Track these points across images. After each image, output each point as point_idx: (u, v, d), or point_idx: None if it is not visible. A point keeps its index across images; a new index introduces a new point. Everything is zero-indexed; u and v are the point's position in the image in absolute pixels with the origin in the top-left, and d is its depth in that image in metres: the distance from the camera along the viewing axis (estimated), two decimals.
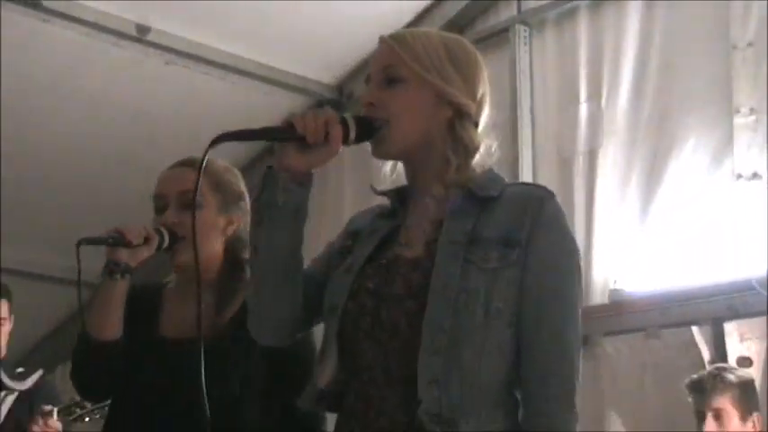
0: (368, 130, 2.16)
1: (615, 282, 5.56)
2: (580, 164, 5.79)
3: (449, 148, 2.17)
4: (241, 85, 6.37)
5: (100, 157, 6.60)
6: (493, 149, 2.23)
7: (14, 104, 5.91)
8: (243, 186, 2.89)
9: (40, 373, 4.81)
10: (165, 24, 5.97)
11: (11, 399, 4.70)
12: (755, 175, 5.05)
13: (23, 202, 6.55)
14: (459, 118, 2.18)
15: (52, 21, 5.78)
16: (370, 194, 2.34)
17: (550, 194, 2.17)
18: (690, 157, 5.36)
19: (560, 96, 6.00)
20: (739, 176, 5.11)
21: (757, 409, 4.29)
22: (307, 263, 2.25)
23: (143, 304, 2.84)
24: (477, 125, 2.20)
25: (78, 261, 2.61)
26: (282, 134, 2.14)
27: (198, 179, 2.21)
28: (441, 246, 2.11)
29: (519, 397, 2.09)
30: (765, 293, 4.80)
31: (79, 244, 2.63)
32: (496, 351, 2.05)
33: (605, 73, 5.74)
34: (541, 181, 5.74)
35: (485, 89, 2.22)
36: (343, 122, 2.11)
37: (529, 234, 2.09)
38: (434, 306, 2.04)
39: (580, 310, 2.13)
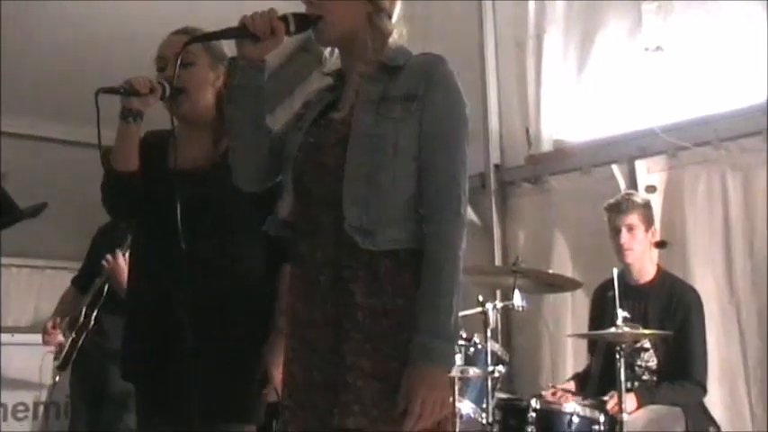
0: (304, 23, 2.28)
1: (558, 132, 5.88)
2: (531, 46, 6.02)
3: (368, 36, 2.29)
4: None
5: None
6: (404, 33, 2.35)
7: None
8: (224, 48, 2.88)
9: None
10: None
11: None
12: (659, 48, 5.25)
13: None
14: (377, 12, 2.29)
15: None
16: None
17: (442, 60, 2.28)
18: (610, 36, 5.60)
19: None
20: (646, 49, 5.31)
21: (654, 224, 4.63)
22: None
23: (156, 145, 2.86)
24: (390, 17, 2.32)
25: (97, 107, 2.55)
26: (238, 33, 2.28)
27: (175, 71, 2.45)
28: (358, 104, 2.25)
29: (422, 213, 2.21)
30: (665, 137, 5.11)
31: (98, 93, 2.61)
32: (404, 178, 2.19)
33: None
34: (501, 60, 6.24)
35: None
36: (284, 19, 2.25)
37: (424, 90, 2.21)
38: (354, 148, 2.20)
39: (466, 145, 2.24)
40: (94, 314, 4.52)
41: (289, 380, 2.30)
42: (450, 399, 2.19)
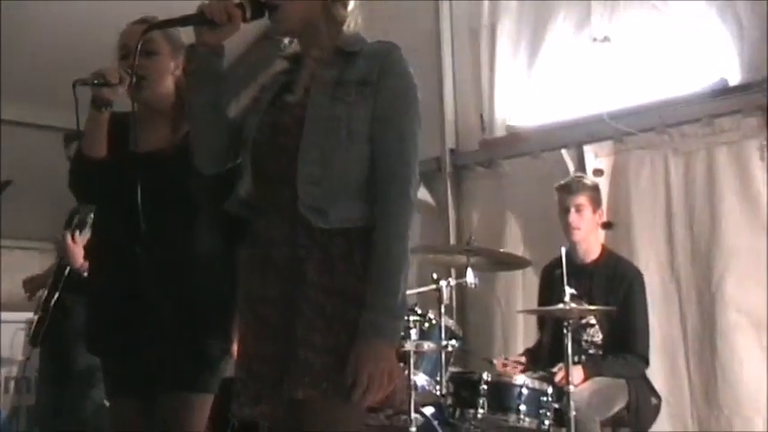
0: (260, 10, 2.28)
1: (510, 118, 5.97)
2: (485, 35, 6.09)
3: (324, 24, 2.31)
4: None
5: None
6: (359, 21, 2.36)
7: None
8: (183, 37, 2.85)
9: None
10: None
11: None
12: (606, 39, 5.38)
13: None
14: (332, 1, 2.32)
15: None
16: None
17: (396, 47, 2.30)
18: (560, 27, 5.70)
19: None
20: (595, 40, 5.43)
21: (601, 206, 4.69)
22: None
23: (118, 128, 2.85)
24: (346, 5, 2.33)
25: (75, 98, 2.67)
26: (196, 20, 2.29)
27: (135, 58, 2.47)
28: (314, 88, 2.26)
29: (374, 194, 2.22)
30: (612, 123, 5.22)
31: (74, 84, 2.70)
32: (357, 160, 2.21)
33: None
34: (457, 49, 6.30)
35: None
36: (240, 6, 2.26)
37: (378, 75, 2.23)
38: (309, 129, 2.21)
39: (417, 130, 2.26)
40: (57, 292, 4.52)
41: (242, 353, 2.32)
42: (400, 372, 2.19)
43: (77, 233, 4.29)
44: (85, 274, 3.93)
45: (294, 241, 2.21)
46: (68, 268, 4.44)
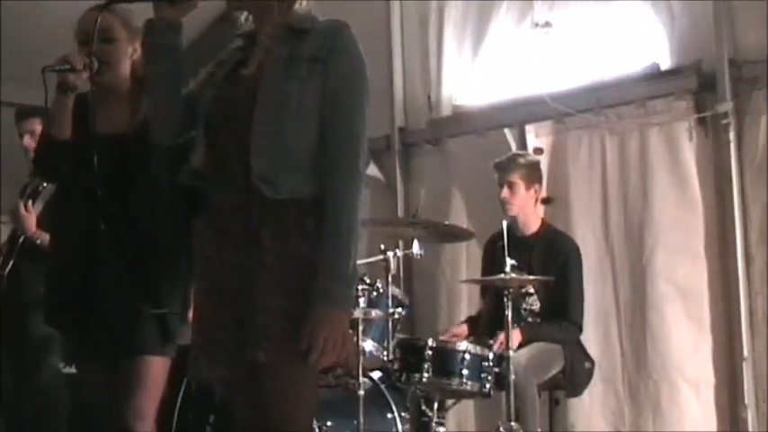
0: None
1: (456, 99, 6.01)
2: (433, 19, 6.11)
3: (276, 1, 2.31)
4: None
5: None
6: (311, 2, 2.35)
7: None
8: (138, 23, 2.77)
9: None
10: None
11: None
12: (547, 24, 5.46)
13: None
14: None
15: None
16: None
17: (345, 25, 2.30)
18: (505, 12, 5.75)
19: None
20: (536, 25, 5.50)
21: (540, 182, 4.75)
22: None
23: (84, 109, 2.81)
24: None
25: (45, 84, 2.68)
26: None
27: (92, 42, 2.55)
28: (267, 63, 2.28)
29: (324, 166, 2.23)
30: (553, 104, 5.28)
31: (44, 70, 2.71)
32: (307, 134, 2.22)
33: None
34: (406, 32, 6.31)
35: None
36: None
37: (328, 52, 2.24)
38: (262, 103, 2.22)
39: (366, 105, 2.27)
40: (11, 261, 4.48)
41: (199, 319, 2.33)
42: (351, 337, 2.24)
43: (30, 203, 4.23)
44: (38, 242, 4.09)
45: (248, 210, 2.22)
46: (22, 237, 4.38)
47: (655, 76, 5.14)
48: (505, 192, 4.66)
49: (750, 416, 4.69)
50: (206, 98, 2.34)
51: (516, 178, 4.68)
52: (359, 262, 4.37)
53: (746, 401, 4.70)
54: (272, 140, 2.20)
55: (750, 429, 4.68)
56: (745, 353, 4.73)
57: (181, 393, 4.19)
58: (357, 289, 4.08)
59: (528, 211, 4.75)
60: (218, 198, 2.29)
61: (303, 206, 2.22)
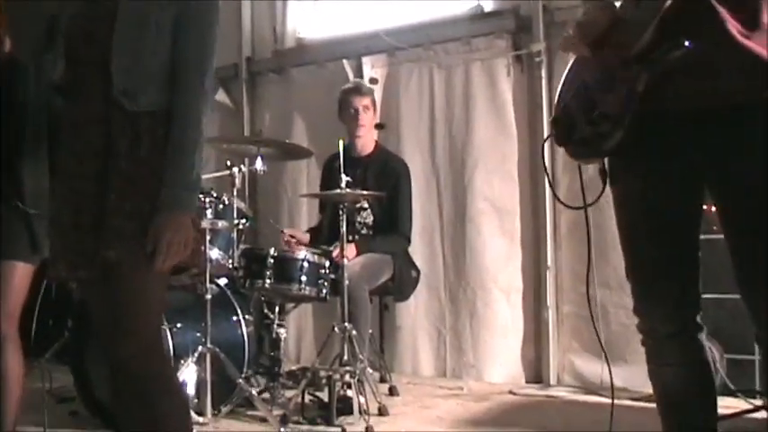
0: None
1: (300, 32, 5.99)
2: None
3: None
4: None
5: None
6: None
7: None
8: None
9: None
10: None
11: None
12: None
13: None
14: None
15: None
16: None
17: None
18: None
19: None
20: None
21: (375, 109, 4.78)
22: None
23: None
24: None
25: None
26: None
27: None
28: None
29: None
30: (387, 39, 5.33)
31: None
32: (163, 52, 2.19)
33: None
34: None
35: None
36: None
37: None
38: (122, 21, 2.18)
39: (215, 28, 2.24)
40: None
41: (58, 224, 2.27)
42: (194, 239, 2.20)
43: None
44: None
45: (107, 121, 2.18)
46: None
47: (478, 16, 5.20)
48: (362, 114, 4.69)
49: (551, 317, 4.89)
50: (66, 15, 2.25)
51: (369, 102, 4.73)
52: (206, 176, 4.36)
53: (548, 305, 4.90)
54: (132, 57, 2.16)
55: (550, 328, 4.87)
56: (549, 263, 4.92)
57: (39, 299, 3.96)
58: (205, 202, 4.00)
59: (368, 133, 4.79)
60: (78, 109, 2.24)
61: (157, 118, 2.19)
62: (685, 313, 2.14)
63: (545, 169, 4.58)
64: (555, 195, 4.79)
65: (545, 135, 4.89)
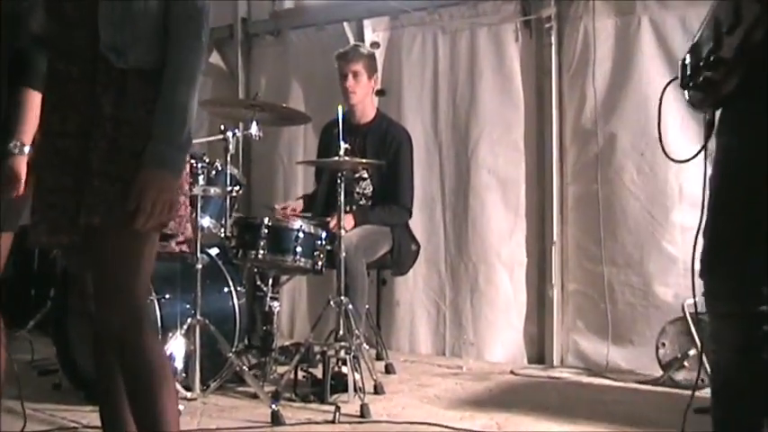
0: None
1: None
2: None
3: None
4: None
5: None
6: None
7: None
8: None
9: None
10: None
11: None
12: None
13: None
14: None
15: None
16: None
17: None
18: None
19: None
20: None
21: (376, 74, 4.68)
22: None
23: None
24: None
25: None
26: None
27: None
28: None
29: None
30: (390, 2, 5.16)
31: None
32: (154, 8, 2.11)
33: None
34: None
35: None
36: None
37: None
38: None
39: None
40: None
41: (40, 186, 2.20)
42: (179, 201, 2.10)
43: None
44: None
45: (92, 78, 2.10)
46: None
47: None
48: (350, 80, 4.56)
49: (555, 293, 4.82)
50: None
51: (360, 67, 4.59)
52: (198, 141, 4.25)
53: (553, 281, 4.82)
54: (122, 12, 2.08)
55: (555, 306, 4.80)
56: (554, 238, 4.83)
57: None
58: (197, 167, 3.89)
59: (366, 100, 4.67)
60: (62, 66, 2.15)
61: (146, 75, 2.11)
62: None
63: (552, 141, 4.43)
64: (562, 168, 4.63)
65: (553, 105, 4.80)
